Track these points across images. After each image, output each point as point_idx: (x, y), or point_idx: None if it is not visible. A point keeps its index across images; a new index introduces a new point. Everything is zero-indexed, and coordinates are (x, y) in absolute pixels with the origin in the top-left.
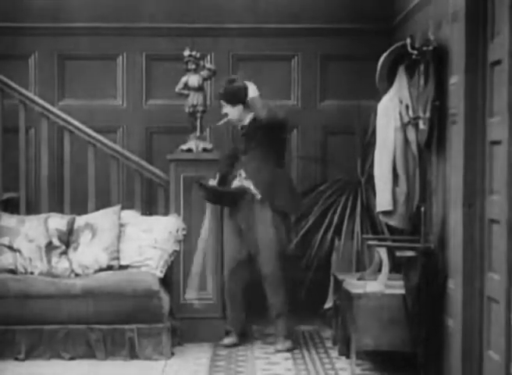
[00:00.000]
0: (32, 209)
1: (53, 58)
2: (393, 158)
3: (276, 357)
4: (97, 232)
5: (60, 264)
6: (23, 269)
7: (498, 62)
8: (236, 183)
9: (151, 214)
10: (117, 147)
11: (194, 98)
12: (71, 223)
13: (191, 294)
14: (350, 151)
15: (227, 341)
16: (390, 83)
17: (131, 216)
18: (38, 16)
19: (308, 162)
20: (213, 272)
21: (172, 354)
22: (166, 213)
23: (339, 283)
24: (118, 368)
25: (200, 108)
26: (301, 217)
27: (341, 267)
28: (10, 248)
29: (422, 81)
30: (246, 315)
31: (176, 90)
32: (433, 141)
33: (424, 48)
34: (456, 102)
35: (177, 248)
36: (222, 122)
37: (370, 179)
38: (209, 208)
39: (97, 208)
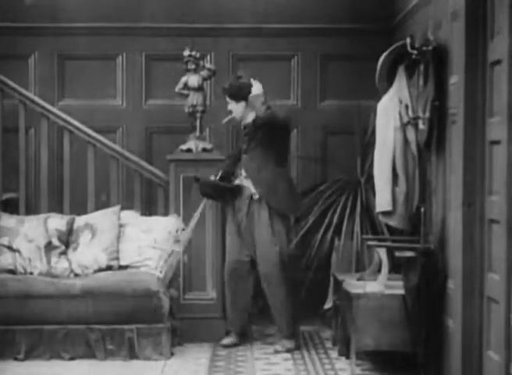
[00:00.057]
0: (32, 209)
1: (53, 58)
2: (393, 158)
3: (276, 357)
4: (97, 232)
5: (59, 264)
6: (23, 269)
7: (498, 62)
8: (236, 182)
9: (150, 214)
10: (117, 147)
11: (194, 98)
12: (70, 224)
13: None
14: (349, 151)
15: (227, 341)
16: (390, 83)
17: (131, 217)
18: (38, 16)
19: (308, 162)
20: (213, 272)
21: (172, 354)
22: (166, 213)
23: (338, 284)
24: (117, 368)
25: (199, 109)
26: (301, 217)
27: (341, 267)
28: (10, 248)
29: (422, 81)
30: (249, 315)
31: (176, 90)
32: (433, 141)
33: (424, 48)
34: (456, 102)
35: (177, 249)
36: (226, 119)
37: (370, 179)
38: (200, 209)
39: (97, 209)
